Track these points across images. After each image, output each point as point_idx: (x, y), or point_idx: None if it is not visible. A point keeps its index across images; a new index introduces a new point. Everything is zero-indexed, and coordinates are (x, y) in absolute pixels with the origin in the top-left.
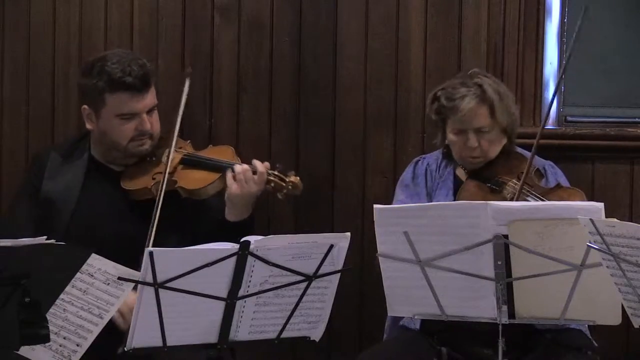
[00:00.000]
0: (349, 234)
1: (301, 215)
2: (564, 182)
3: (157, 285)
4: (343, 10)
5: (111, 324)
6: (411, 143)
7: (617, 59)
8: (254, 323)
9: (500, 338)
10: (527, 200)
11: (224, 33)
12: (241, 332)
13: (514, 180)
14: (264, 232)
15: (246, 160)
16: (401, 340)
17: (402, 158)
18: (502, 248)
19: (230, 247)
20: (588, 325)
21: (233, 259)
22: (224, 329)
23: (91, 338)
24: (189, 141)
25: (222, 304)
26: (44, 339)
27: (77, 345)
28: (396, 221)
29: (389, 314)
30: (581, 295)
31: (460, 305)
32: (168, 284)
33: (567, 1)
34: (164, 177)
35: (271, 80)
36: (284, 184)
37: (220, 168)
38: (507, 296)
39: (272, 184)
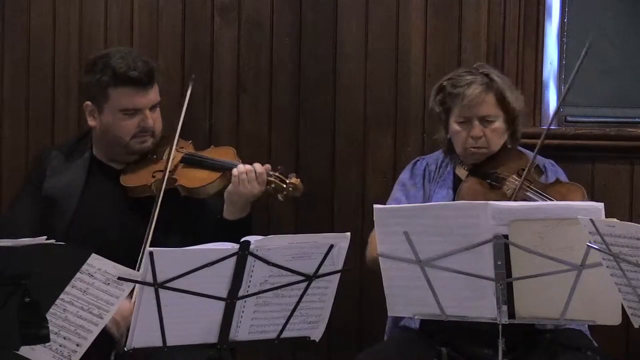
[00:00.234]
0: (349, 234)
1: (301, 215)
2: (564, 179)
3: (157, 285)
4: (343, 10)
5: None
6: (411, 143)
7: (617, 59)
8: (254, 323)
9: (500, 338)
10: (527, 196)
11: (224, 33)
12: (241, 332)
13: (513, 176)
14: (264, 232)
15: (247, 162)
16: (401, 340)
17: (402, 158)
18: (502, 248)
19: (230, 247)
20: (588, 325)
21: (233, 259)
22: (224, 329)
23: (91, 338)
24: (190, 142)
25: (222, 304)
26: (44, 339)
27: (77, 345)
28: (396, 221)
29: (389, 314)
30: (581, 295)
31: (460, 305)
32: (168, 284)
33: (567, 1)
34: (165, 174)
35: (271, 80)
36: (284, 186)
37: (221, 168)
38: (507, 296)
39: (273, 185)
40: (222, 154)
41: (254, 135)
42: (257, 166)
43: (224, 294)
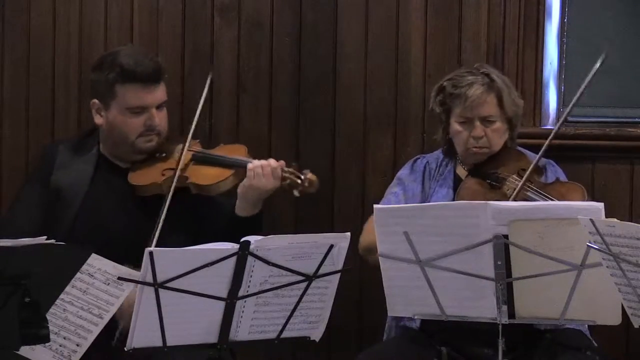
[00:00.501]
0: (349, 234)
1: (301, 215)
2: (564, 179)
3: (157, 285)
4: (343, 10)
5: (111, 322)
6: (411, 143)
7: (617, 59)
8: (254, 323)
9: (500, 338)
10: (527, 196)
11: (224, 33)
12: (241, 332)
13: (513, 176)
14: (264, 232)
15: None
16: (401, 340)
17: (402, 158)
18: (502, 248)
19: (230, 247)
20: (588, 325)
21: (233, 259)
22: (224, 329)
23: (91, 338)
24: (198, 140)
25: (222, 304)
26: (44, 339)
27: (77, 345)
28: (396, 221)
29: (389, 314)
30: (581, 295)
31: (460, 305)
32: (168, 284)
33: (567, 1)
34: (176, 172)
35: (271, 80)
36: (299, 181)
37: (233, 165)
38: (507, 296)
39: (288, 181)
40: (234, 151)
41: (254, 135)
42: (272, 161)
43: (224, 294)
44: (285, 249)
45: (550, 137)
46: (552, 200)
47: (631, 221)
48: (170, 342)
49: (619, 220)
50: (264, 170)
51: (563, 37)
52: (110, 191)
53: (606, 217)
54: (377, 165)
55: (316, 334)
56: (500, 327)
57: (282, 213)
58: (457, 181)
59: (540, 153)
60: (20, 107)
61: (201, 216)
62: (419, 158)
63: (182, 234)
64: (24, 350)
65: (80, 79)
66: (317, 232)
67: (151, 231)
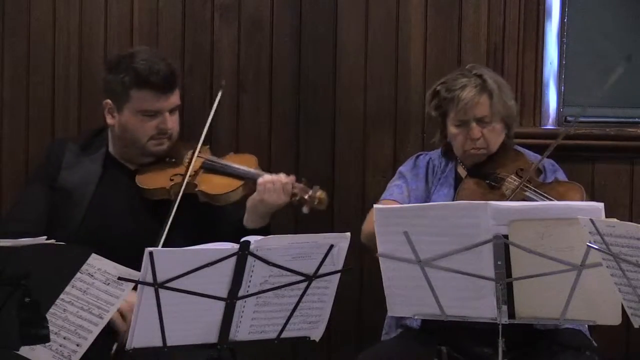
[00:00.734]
0: (349, 234)
1: (301, 216)
2: (563, 179)
3: (157, 285)
4: (343, 11)
5: (111, 323)
6: (411, 143)
7: (617, 59)
8: (254, 323)
9: (500, 338)
10: (526, 196)
11: (224, 33)
12: (241, 332)
13: (512, 176)
14: None
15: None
16: (401, 339)
17: (402, 158)
18: (502, 248)
19: (230, 247)
20: (588, 325)
21: (233, 259)
22: (224, 329)
23: (91, 338)
24: (208, 146)
25: (222, 304)
26: (44, 339)
27: (77, 345)
28: (396, 221)
29: (388, 314)
30: (581, 295)
31: (460, 305)
32: (168, 284)
33: (567, 1)
34: (185, 179)
35: (271, 80)
36: (308, 198)
37: (244, 176)
38: (507, 296)
39: (298, 197)
40: (244, 161)
41: (254, 135)
42: (283, 176)
43: (224, 294)
44: (285, 249)
45: (558, 138)
46: (550, 200)
47: (631, 221)
48: (170, 342)
49: (619, 220)
50: (274, 186)
51: (563, 37)
52: (117, 192)
53: (606, 217)
54: (377, 165)
55: (316, 334)
56: (500, 327)
57: (282, 213)
58: (458, 181)
59: (546, 153)
60: (20, 107)
61: (208, 224)
62: (421, 154)
63: (188, 240)
64: (24, 350)
65: (80, 78)
66: (317, 232)
67: (157, 233)
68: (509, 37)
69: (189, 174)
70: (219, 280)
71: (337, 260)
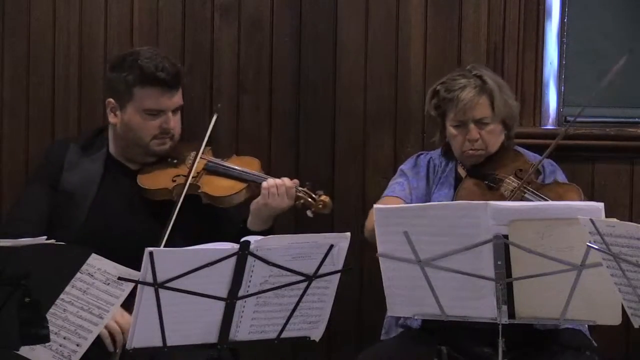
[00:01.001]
0: (349, 234)
1: (301, 216)
2: (562, 179)
3: (157, 285)
4: (343, 10)
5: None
6: (411, 143)
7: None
8: (254, 323)
9: (500, 338)
10: (525, 197)
11: (224, 33)
12: (241, 332)
13: (511, 177)
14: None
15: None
16: (401, 339)
17: (402, 158)
18: (502, 248)
19: (230, 247)
20: (588, 325)
21: (233, 259)
22: (224, 329)
23: (91, 338)
24: (210, 147)
25: (222, 304)
26: (44, 339)
27: (77, 345)
28: (396, 221)
29: (388, 314)
30: (581, 295)
31: (460, 305)
32: (168, 284)
33: (567, 1)
34: (187, 180)
35: (271, 80)
36: (313, 202)
37: (247, 179)
38: (507, 296)
39: (302, 201)
40: (248, 164)
41: (254, 135)
42: (287, 180)
43: (224, 294)
44: (285, 249)
45: (562, 132)
46: (547, 201)
47: (631, 221)
48: (170, 342)
49: (619, 220)
50: (278, 190)
51: (563, 37)
52: (119, 193)
53: (606, 217)
54: (377, 165)
55: (316, 334)
56: (500, 327)
57: (282, 213)
58: (458, 181)
59: (541, 158)
60: (21, 107)
61: (209, 226)
62: (422, 154)
63: (189, 241)
64: (24, 350)
65: (80, 78)
66: (317, 232)
67: (159, 233)
68: (509, 37)
69: (192, 175)
70: (219, 280)
71: (337, 260)
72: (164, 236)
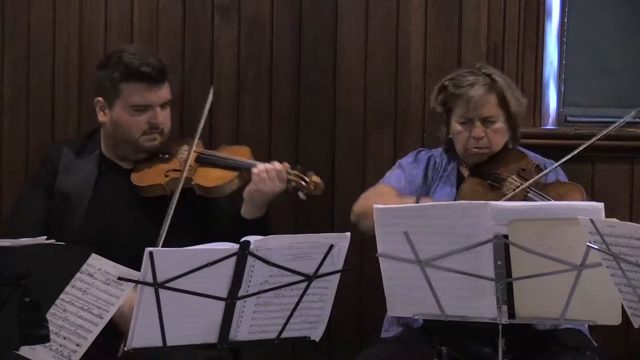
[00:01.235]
0: (348, 234)
1: (301, 215)
2: (564, 179)
3: (157, 285)
4: (343, 10)
5: (112, 323)
6: (411, 143)
7: (617, 59)
8: (254, 323)
9: (500, 338)
10: (527, 196)
11: (224, 33)
12: (241, 332)
13: (513, 177)
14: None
15: (262, 160)
16: (401, 339)
17: (401, 158)
18: (502, 248)
19: (230, 247)
20: (588, 325)
21: (233, 259)
22: (224, 329)
23: (91, 338)
24: (200, 140)
25: (222, 304)
26: (44, 339)
27: (77, 345)
28: (396, 221)
29: (388, 314)
30: (581, 295)
31: (460, 305)
32: (168, 284)
33: (567, 1)
34: (183, 174)
35: (271, 80)
36: (304, 184)
37: (238, 167)
38: (507, 296)
39: (294, 183)
40: (238, 153)
41: (254, 135)
42: (277, 164)
43: (224, 294)
44: (285, 249)
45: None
46: (550, 200)
47: (631, 221)
48: (170, 342)
49: (619, 220)
50: (269, 174)
51: (563, 37)
52: (114, 193)
53: (606, 217)
54: (377, 165)
55: (316, 334)
56: (500, 327)
57: (282, 213)
58: (460, 180)
59: (545, 171)
60: (21, 107)
61: (206, 218)
62: (422, 150)
63: (188, 235)
64: (24, 350)
65: (80, 78)
66: (317, 232)
67: (156, 231)
68: (509, 37)
69: (186, 168)
70: (219, 280)
71: (337, 260)
72: (163, 232)
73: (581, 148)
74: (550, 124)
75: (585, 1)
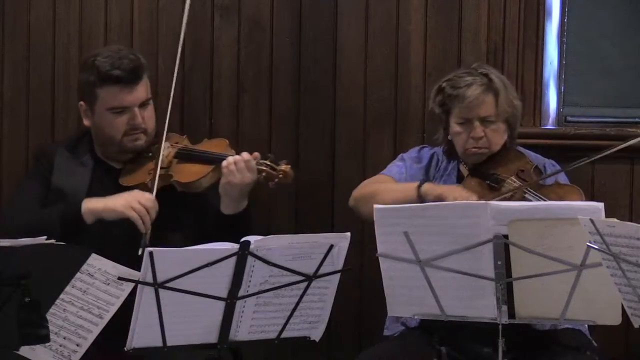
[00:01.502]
0: (348, 234)
1: (301, 215)
2: (564, 180)
3: (157, 285)
4: (343, 10)
5: (113, 324)
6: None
7: (617, 59)
8: (254, 323)
9: (500, 338)
10: (525, 198)
11: (224, 33)
12: (241, 332)
13: (512, 178)
14: (264, 232)
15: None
16: (401, 339)
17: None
18: (502, 248)
19: (230, 247)
20: (588, 325)
21: (233, 259)
22: (224, 329)
23: (91, 338)
24: (185, 136)
25: (222, 304)
26: (44, 339)
27: (77, 345)
28: (396, 221)
29: (389, 314)
30: (581, 295)
31: (460, 305)
32: (168, 284)
33: (567, 1)
34: (156, 171)
35: (271, 80)
36: (274, 173)
37: (213, 160)
38: (507, 296)
39: (264, 174)
40: (215, 146)
41: (254, 135)
42: (245, 155)
43: (224, 294)
44: (285, 249)
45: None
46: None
47: (631, 221)
48: (170, 342)
49: (619, 220)
50: (237, 166)
51: (563, 37)
52: (108, 193)
53: (606, 217)
54: (377, 165)
55: (316, 334)
56: (500, 327)
57: (281, 213)
58: (460, 180)
59: (545, 175)
60: (21, 107)
61: (191, 214)
62: (426, 147)
63: (177, 232)
64: (24, 350)
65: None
66: (317, 232)
67: (153, 231)
68: (509, 37)
69: (160, 165)
70: (219, 280)
71: (337, 260)
72: (147, 230)
73: (593, 159)
74: (550, 124)
75: (585, 1)
